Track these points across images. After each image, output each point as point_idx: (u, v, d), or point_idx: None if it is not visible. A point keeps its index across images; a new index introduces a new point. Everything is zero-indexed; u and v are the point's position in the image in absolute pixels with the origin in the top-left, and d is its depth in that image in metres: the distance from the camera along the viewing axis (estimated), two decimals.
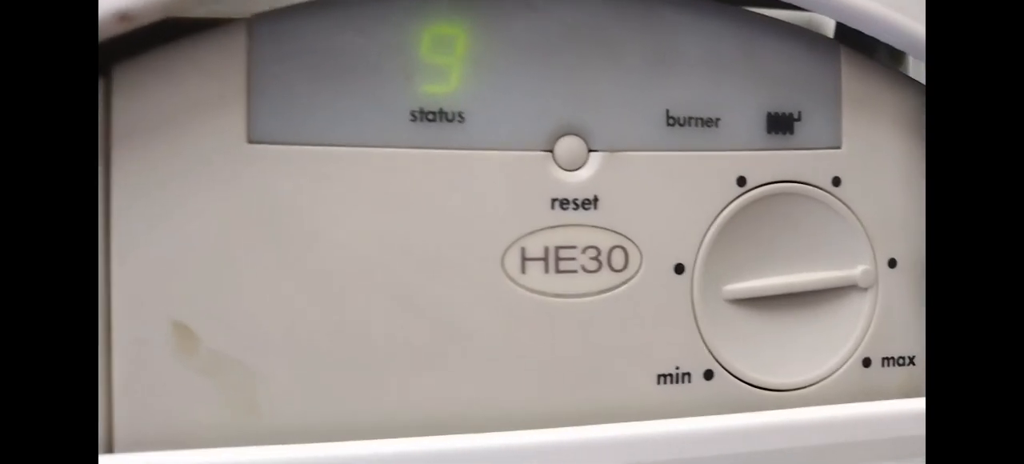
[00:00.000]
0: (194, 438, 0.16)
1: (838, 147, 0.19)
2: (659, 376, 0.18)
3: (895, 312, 0.20)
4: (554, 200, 0.18)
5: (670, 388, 0.18)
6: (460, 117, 0.17)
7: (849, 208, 0.19)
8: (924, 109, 0.20)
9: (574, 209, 0.18)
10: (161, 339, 0.16)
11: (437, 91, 0.17)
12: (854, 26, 0.18)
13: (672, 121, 0.18)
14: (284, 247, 0.17)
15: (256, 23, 0.17)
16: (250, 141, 0.16)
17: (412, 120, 0.17)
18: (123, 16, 0.15)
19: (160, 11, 0.15)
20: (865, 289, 0.20)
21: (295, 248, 0.17)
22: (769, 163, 0.19)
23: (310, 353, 0.17)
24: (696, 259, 0.18)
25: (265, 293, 0.17)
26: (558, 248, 0.18)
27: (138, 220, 0.16)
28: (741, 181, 0.19)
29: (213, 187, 0.16)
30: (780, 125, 0.19)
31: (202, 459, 0.15)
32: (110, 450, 0.16)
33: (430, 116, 0.17)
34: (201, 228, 0.16)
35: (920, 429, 0.18)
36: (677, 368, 0.18)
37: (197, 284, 0.16)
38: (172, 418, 0.16)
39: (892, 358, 0.20)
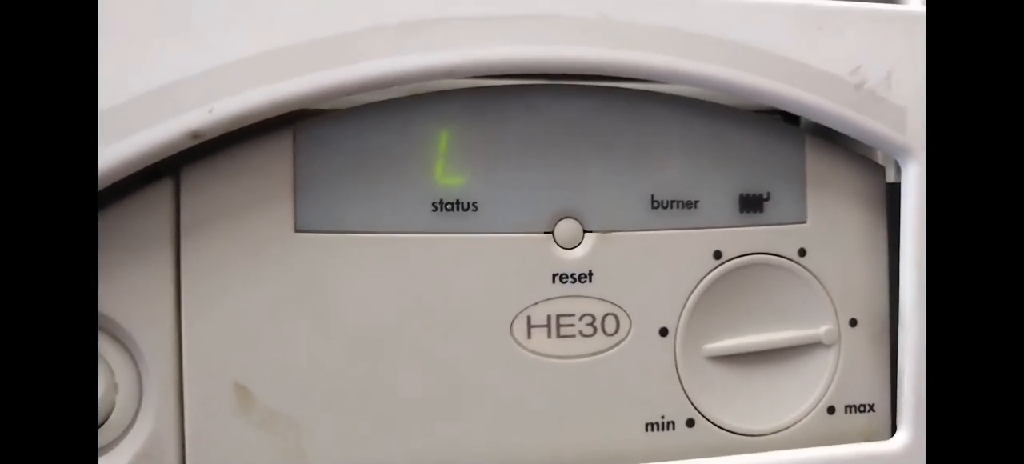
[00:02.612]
0: None
1: (804, 222, 0.22)
2: (647, 424, 0.21)
3: (856, 365, 0.22)
4: (555, 275, 0.21)
5: (657, 435, 0.21)
6: (474, 206, 0.20)
7: (813, 275, 0.22)
8: (882, 186, 0.22)
9: (572, 282, 0.21)
10: (224, 398, 0.19)
11: (453, 183, 0.20)
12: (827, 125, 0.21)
13: (656, 204, 0.21)
14: (326, 319, 0.20)
15: (300, 128, 0.20)
16: (297, 230, 0.20)
17: (433, 210, 0.20)
18: (194, 134, 0.18)
19: (224, 129, 0.18)
20: (829, 346, 0.22)
21: (335, 320, 0.20)
22: (742, 238, 0.22)
23: (348, 408, 0.20)
24: (678, 323, 0.21)
25: (310, 357, 0.20)
26: (559, 316, 0.21)
27: (203, 297, 0.19)
28: (717, 254, 0.21)
29: (266, 269, 0.19)
30: (751, 205, 0.22)
31: None
32: None
33: (448, 206, 0.20)
34: (257, 303, 0.19)
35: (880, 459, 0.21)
36: (663, 417, 0.21)
37: (254, 351, 0.19)
38: (236, 458, 0.19)
39: (854, 406, 0.22)
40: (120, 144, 0.18)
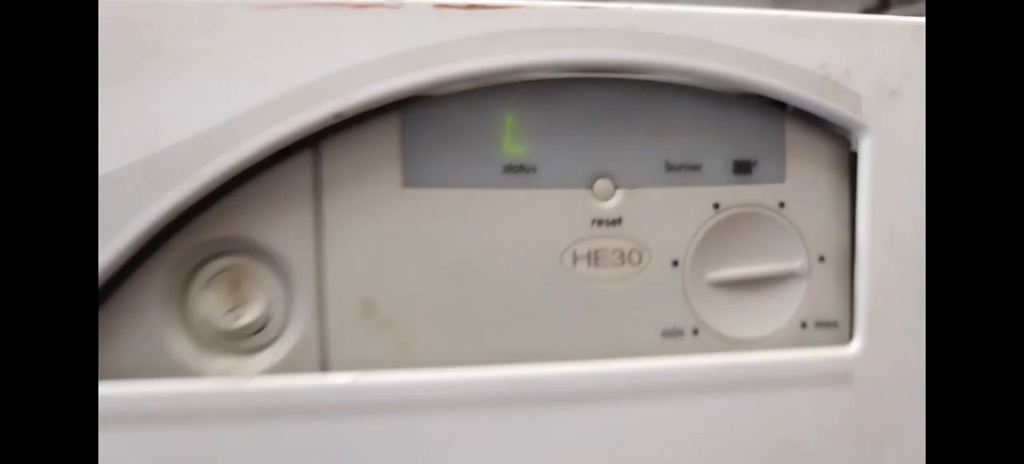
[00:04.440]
0: (377, 365, 0.26)
1: (783, 182, 0.29)
2: (662, 331, 0.28)
3: (823, 291, 0.29)
4: (593, 220, 0.28)
5: (670, 340, 0.28)
6: (533, 169, 0.27)
7: (790, 222, 0.29)
8: (846, 154, 0.29)
9: (606, 226, 0.28)
10: (354, 308, 0.26)
11: (517, 152, 0.27)
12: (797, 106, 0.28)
13: (669, 167, 0.28)
14: (426, 251, 0.27)
15: (405, 111, 0.27)
16: (404, 186, 0.27)
17: (503, 171, 0.27)
18: (337, 115, 0.25)
19: (357, 111, 0.25)
20: (802, 276, 0.29)
21: (433, 251, 0.27)
22: (735, 194, 0.29)
23: (442, 315, 0.27)
24: (686, 256, 0.28)
25: (416, 278, 0.27)
26: (596, 250, 0.28)
27: (338, 235, 0.26)
28: (716, 206, 0.28)
29: (383, 214, 0.26)
30: (742, 168, 0.29)
31: (381, 378, 0.26)
32: (328, 369, 0.26)
33: (514, 168, 0.27)
34: (376, 239, 0.26)
35: (837, 368, 0.28)
36: (674, 326, 0.28)
37: (375, 274, 0.26)
38: (363, 354, 0.26)
39: (821, 321, 0.29)
40: (285, 122, 0.25)
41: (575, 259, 0.28)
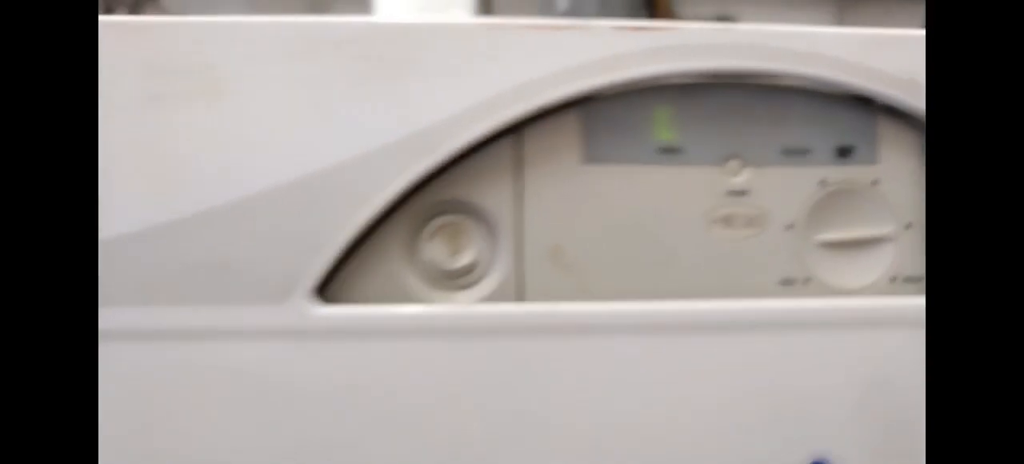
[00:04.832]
0: (561, 299, 0.35)
1: (876, 164, 0.36)
2: (779, 280, 0.36)
3: (908, 253, 0.37)
4: (726, 191, 0.36)
5: (786, 287, 0.36)
6: (680, 151, 0.35)
7: (882, 196, 0.36)
8: (924, 140, 0.36)
9: (736, 196, 0.36)
10: (545, 255, 0.35)
11: (668, 138, 0.35)
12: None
13: (786, 151, 0.36)
14: (601, 209, 0.35)
15: (584, 106, 0.35)
16: (583, 163, 0.35)
17: (657, 152, 0.35)
18: (538, 108, 0.34)
19: (553, 105, 0.34)
20: (892, 240, 0.37)
21: (605, 210, 0.35)
22: (838, 173, 0.36)
23: (612, 262, 0.35)
24: (798, 221, 0.36)
25: (592, 233, 0.35)
26: (728, 215, 0.36)
27: (535, 200, 0.35)
28: (823, 182, 0.36)
29: (567, 184, 0.35)
30: (844, 153, 0.36)
31: (564, 307, 0.34)
32: (524, 299, 0.35)
33: (665, 151, 0.35)
34: (563, 198, 0.35)
35: (919, 315, 0.35)
36: (789, 277, 0.36)
37: (561, 229, 0.35)
38: (549, 291, 0.35)
39: (908, 277, 0.37)
40: (498, 114, 0.33)
41: (712, 222, 0.36)
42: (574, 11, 1.97)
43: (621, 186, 0.35)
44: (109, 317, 0.32)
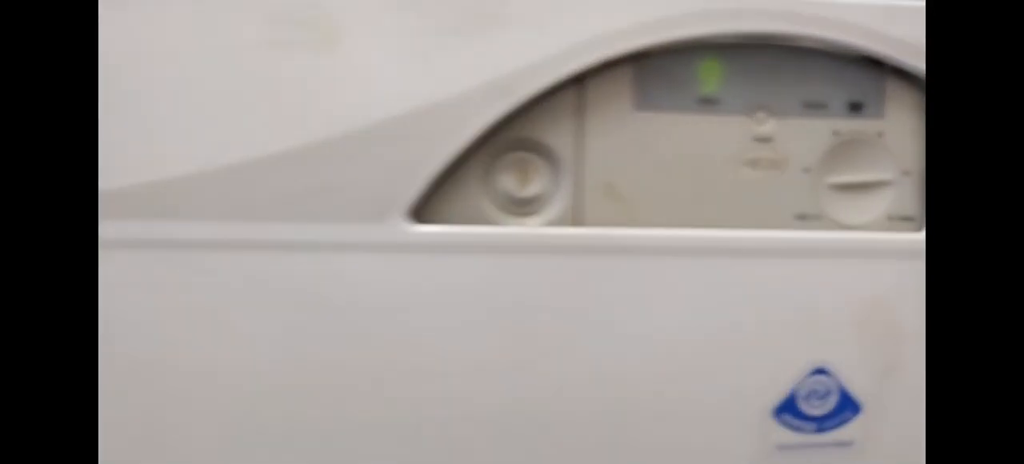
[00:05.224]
0: (612, 224, 0.41)
1: (883, 118, 0.43)
2: (795, 215, 0.42)
3: (906, 195, 0.43)
4: (753, 137, 0.42)
5: (801, 221, 0.42)
6: (717, 101, 0.41)
7: (885, 147, 0.43)
8: (924, 97, 0.43)
9: (762, 142, 0.42)
10: (600, 188, 0.41)
11: (708, 91, 0.41)
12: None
13: (806, 105, 0.42)
14: (647, 152, 0.41)
15: (637, 60, 0.41)
16: (635, 110, 0.41)
17: (698, 102, 0.41)
18: (600, 61, 0.39)
19: (611, 59, 0.40)
20: (892, 184, 0.43)
21: (652, 152, 0.41)
22: (850, 125, 0.42)
23: (658, 195, 0.41)
24: (814, 165, 0.42)
25: (640, 170, 0.41)
26: (755, 159, 0.42)
27: (593, 141, 0.41)
28: (835, 133, 0.42)
29: (619, 126, 0.41)
30: (855, 108, 0.42)
31: (615, 231, 0.40)
32: (581, 225, 0.41)
33: (706, 101, 0.41)
34: (617, 143, 0.41)
35: (912, 247, 0.42)
36: (804, 213, 0.42)
37: (615, 167, 0.41)
38: (603, 218, 0.41)
39: (904, 216, 0.43)
40: (565, 65, 0.39)
41: (741, 164, 0.42)
42: None
43: (666, 131, 0.41)
44: (230, 229, 0.38)
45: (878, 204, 0.43)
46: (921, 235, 0.43)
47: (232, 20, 0.37)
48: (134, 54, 0.37)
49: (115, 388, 0.39)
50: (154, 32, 0.37)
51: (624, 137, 0.41)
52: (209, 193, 0.38)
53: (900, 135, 0.43)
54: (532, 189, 0.41)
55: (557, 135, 0.41)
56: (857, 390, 0.43)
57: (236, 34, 0.37)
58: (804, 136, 0.42)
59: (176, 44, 0.37)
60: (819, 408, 0.43)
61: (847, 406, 0.43)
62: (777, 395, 0.43)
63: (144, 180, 0.38)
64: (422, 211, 0.40)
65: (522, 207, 0.41)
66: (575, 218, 0.41)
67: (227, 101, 0.37)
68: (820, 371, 0.43)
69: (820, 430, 0.43)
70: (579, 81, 0.40)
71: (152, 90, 0.37)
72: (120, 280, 0.38)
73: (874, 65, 0.43)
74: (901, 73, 0.42)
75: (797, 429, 0.43)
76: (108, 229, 0.37)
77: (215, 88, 0.37)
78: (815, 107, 0.42)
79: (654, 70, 0.41)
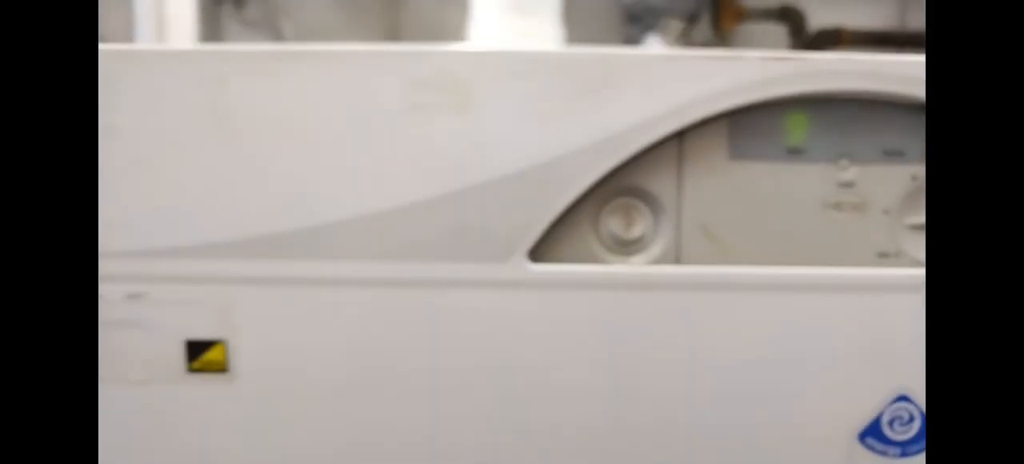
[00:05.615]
0: (709, 263, 0.45)
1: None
2: (877, 254, 0.46)
3: None
4: (838, 183, 0.46)
5: (882, 259, 0.46)
6: (805, 152, 0.46)
7: None
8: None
9: (845, 187, 0.46)
10: (698, 232, 0.46)
11: (796, 142, 0.46)
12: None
13: (886, 153, 0.46)
14: (741, 197, 0.46)
15: (732, 116, 0.46)
16: (730, 160, 0.46)
17: (787, 152, 0.46)
18: (698, 119, 0.44)
19: (710, 116, 0.44)
20: None
21: (745, 198, 0.46)
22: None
23: (749, 236, 0.46)
24: (893, 207, 0.46)
25: (734, 214, 0.46)
26: (839, 202, 0.46)
27: (692, 188, 0.45)
28: (914, 177, 0.46)
29: (717, 176, 0.45)
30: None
31: (712, 270, 0.45)
32: (680, 263, 0.45)
33: (795, 151, 0.46)
34: (713, 190, 0.45)
35: None
36: (884, 251, 0.46)
37: (711, 210, 0.45)
38: (701, 258, 0.46)
39: None
40: (667, 123, 0.44)
41: (826, 207, 0.46)
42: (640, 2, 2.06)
43: (758, 178, 0.46)
44: (374, 269, 0.44)
45: None
46: None
47: (380, 84, 0.43)
48: (301, 115, 0.43)
49: (268, 417, 0.44)
50: (316, 95, 0.43)
51: (719, 184, 0.46)
52: (359, 237, 0.43)
53: None
54: (636, 231, 0.46)
55: (659, 183, 0.46)
56: None
57: (383, 98, 0.43)
58: (884, 181, 0.46)
59: (330, 107, 0.43)
60: (903, 433, 0.46)
61: None
62: (863, 420, 0.46)
63: (301, 226, 0.43)
64: (536, 252, 0.45)
65: (627, 247, 0.46)
66: (675, 257, 0.46)
67: (374, 156, 0.43)
68: (903, 398, 0.46)
69: (904, 454, 0.47)
70: (679, 135, 0.45)
71: (312, 143, 0.43)
72: (274, 312, 0.44)
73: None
74: None
75: (882, 453, 0.47)
76: (263, 268, 0.43)
77: (364, 144, 0.43)
78: (894, 154, 0.46)
79: (746, 124, 0.46)
